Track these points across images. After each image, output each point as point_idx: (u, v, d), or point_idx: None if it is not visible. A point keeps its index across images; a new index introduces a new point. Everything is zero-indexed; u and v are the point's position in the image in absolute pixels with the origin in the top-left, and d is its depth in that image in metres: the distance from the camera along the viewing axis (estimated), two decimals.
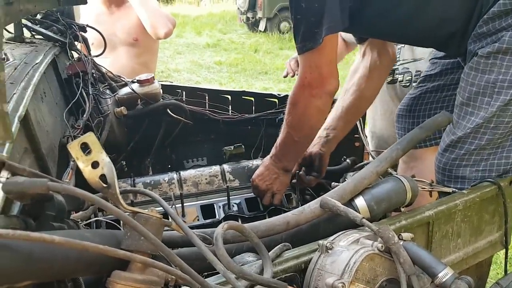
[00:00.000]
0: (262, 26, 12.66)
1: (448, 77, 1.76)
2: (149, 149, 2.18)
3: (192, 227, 0.93)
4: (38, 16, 2.01)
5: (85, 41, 2.11)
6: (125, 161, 2.10)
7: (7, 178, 0.72)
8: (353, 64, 1.91)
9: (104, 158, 0.75)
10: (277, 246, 1.03)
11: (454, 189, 1.41)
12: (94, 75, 1.97)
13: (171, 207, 1.62)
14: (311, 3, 1.39)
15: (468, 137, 1.46)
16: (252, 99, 2.28)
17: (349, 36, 2.52)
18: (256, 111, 2.27)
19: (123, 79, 2.20)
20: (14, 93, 1.17)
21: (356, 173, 1.32)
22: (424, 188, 1.39)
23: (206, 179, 1.81)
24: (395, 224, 1.18)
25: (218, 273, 0.86)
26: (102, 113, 1.86)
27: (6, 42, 1.71)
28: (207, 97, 2.29)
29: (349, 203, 1.22)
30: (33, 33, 1.95)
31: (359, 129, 2.04)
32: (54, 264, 0.68)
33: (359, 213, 1.16)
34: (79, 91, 1.76)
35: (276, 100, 2.26)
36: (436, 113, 1.72)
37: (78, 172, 1.33)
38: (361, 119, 2.00)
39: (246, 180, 1.82)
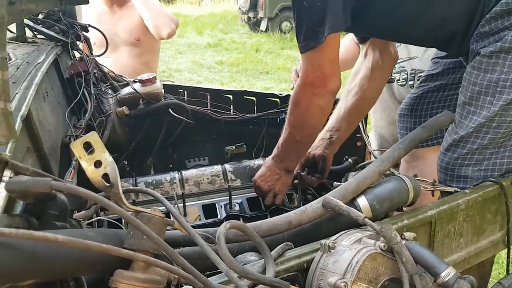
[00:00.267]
0: (263, 26, 12.66)
1: (450, 77, 1.76)
2: (151, 148, 2.18)
3: (194, 227, 0.92)
4: (40, 16, 2.02)
5: (87, 40, 2.11)
6: (127, 161, 2.10)
7: (10, 177, 0.73)
8: (355, 65, 1.91)
9: (107, 158, 0.76)
10: (279, 246, 1.03)
11: (456, 189, 1.41)
12: (96, 74, 1.98)
13: (173, 206, 1.62)
14: (313, 2, 1.39)
15: (471, 137, 1.46)
16: (254, 98, 2.28)
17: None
18: (258, 111, 2.27)
19: (125, 79, 2.20)
20: (17, 93, 1.17)
21: (358, 172, 1.31)
22: (427, 188, 1.39)
23: (207, 178, 1.81)
24: (397, 223, 1.18)
25: (220, 272, 0.87)
26: (104, 112, 1.86)
27: (8, 42, 1.71)
28: (208, 97, 2.29)
29: (351, 202, 1.22)
30: (35, 32, 1.95)
31: (361, 129, 2.04)
32: (57, 263, 0.68)
33: (361, 212, 1.15)
34: (81, 91, 1.76)
35: (278, 100, 2.26)
36: (438, 112, 1.72)
37: (80, 172, 1.33)
38: (363, 119, 2.00)
39: (248, 180, 1.82)
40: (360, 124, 2.02)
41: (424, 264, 0.97)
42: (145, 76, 2.08)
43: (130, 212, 0.78)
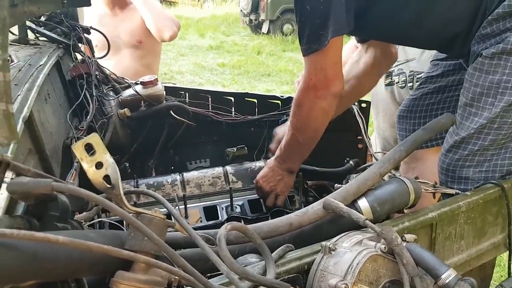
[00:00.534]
0: (265, 28, 12.66)
1: (449, 78, 1.77)
2: (152, 150, 2.18)
3: (195, 229, 0.93)
4: (42, 18, 2.02)
5: (89, 43, 2.11)
6: (128, 163, 2.11)
7: (12, 179, 0.73)
8: (355, 52, 1.92)
9: (108, 159, 0.76)
10: (280, 247, 1.03)
11: (457, 191, 1.41)
12: (98, 76, 1.98)
13: (174, 208, 1.62)
14: (316, 6, 1.39)
15: (472, 138, 1.46)
16: (255, 100, 2.29)
17: None
18: (259, 113, 2.27)
19: (127, 81, 2.21)
20: (19, 95, 1.18)
21: (359, 174, 1.32)
22: (428, 190, 1.39)
23: (209, 180, 1.82)
24: (398, 225, 1.18)
25: (221, 273, 0.87)
26: (105, 114, 1.86)
27: (10, 44, 1.72)
28: (210, 99, 2.30)
29: (352, 204, 1.22)
30: (37, 35, 1.96)
31: (362, 130, 2.04)
32: (58, 264, 0.69)
33: (362, 214, 1.15)
34: (83, 93, 1.77)
35: (279, 102, 2.26)
36: (437, 114, 1.73)
37: (81, 174, 1.34)
38: (364, 121, 2.00)
39: (249, 182, 1.82)
40: (361, 127, 2.02)
41: (424, 266, 0.97)
42: (146, 78, 2.08)
43: (131, 214, 0.79)
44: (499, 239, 1.47)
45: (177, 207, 1.64)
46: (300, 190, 1.80)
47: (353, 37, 2.53)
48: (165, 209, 0.94)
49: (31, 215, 0.79)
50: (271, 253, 0.99)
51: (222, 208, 1.74)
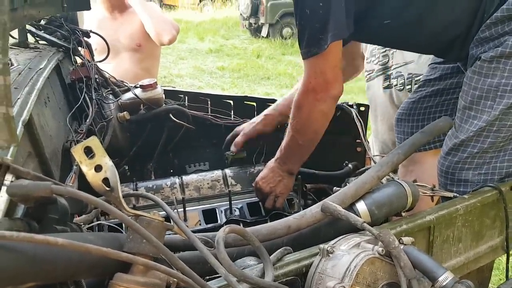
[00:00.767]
0: (264, 31, 12.68)
1: (447, 82, 1.77)
2: (151, 153, 2.18)
3: (194, 232, 0.93)
4: (42, 22, 2.03)
5: (88, 46, 2.12)
6: (127, 166, 2.11)
7: (12, 181, 0.73)
8: None
9: (107, 162, 0.76)
10: (278, 250, 1.03)
11: (455, 194, 1.42)
12: (97, 80, 1.99)
13: (173, 211, 1.63)
14: (315, 10, 1.40)
15: (471, 141, 1.47)
16: (254, 104, 2.29)
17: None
18: None
19: (126, 84, 2.21)
20: (18, 98, 1.18)
21: (358, 177, 1.32)
22: (426, 193, 1.39)
23: (208, 183, 1.82)
24: (396, 228, 1.18)
25: (219, 276, 0.87)
26: (105, 118, 1.87)
27: (10, 48, 1.73)
28: (209, 102, 2.30)
29: (350, 207, 1.22)
30: (37, 38, 1.97)
31: (361, 134, 2.05)
32: (57, 266, 0.69)
33: (360, 217, 1.16)
34: (82, 96, 1.77)
35: None
36: (436, 117, 1.73)
37: (80, 177, 1.34)
38: (363, 124, 2.01)
39: (248, 185, 1.82)
40: (360, 130, 2.03)
41: (422, 268, 0.97)
42: (146, 82, 2.09)
43: (130, 216, 0.79)
44: (497, 242, 1.48)
45: (176, 210, 1.65)
46: (299, 193, 1.80)
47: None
48: (164, 212, 0.95)
49: (30, 218, 0.80)
50: (270, 255, 0.99)
51: (221, 211, 1.74)
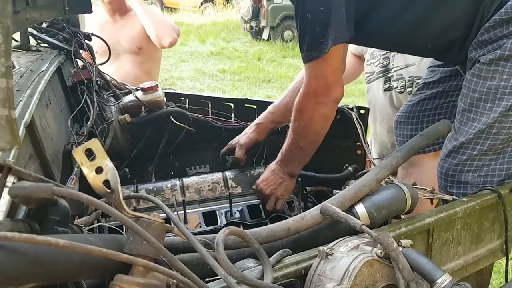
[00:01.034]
0: (265, 34, 12.71)
1: (446, 84, 1.78)
2: (152, 156, 2.19)
3: (194, 234, 0.94)
4: (44, 25, 2.04)
5: (89, 49, 2.13)
6: (128, 168, 2.11)
7: (13, 183, 0.74)
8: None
9: (108, 164, 0.77)
10: (278, 252, 1.04)
11: (454, 197, 1.42)
12: (99, 82, 1.99)
13: (174, 213, 1.63)
14: (316, 14, 1.41)
15: (470, 143, 1.47)
16: (255, 107, 2.30)
17: (357, 48, 2.53)
18: None
19: (127, 87, 2.22)
20: (20, 100, 1.19)
21: (357, 180, 1.33)
22: (425, 196, 1.40)
23: (208, 186, 1.83)
24: (395, 231, 1.19)
25: (219, 278, 0.88)
26: (106, 120, 1.87)
27: (12, 50, 1.73)
28: (210, 105, 2.31)
29: (350, 210, 1.23)
30: (39, 41, 1.98)
31: (361, 137, 2.05)
32: (58, 267, 0.70)
33: (359, 219, 1.16)
34: (84, 99, 1.78)
35: None
36: (435, 119, 1.74)
37: (81, 178, 1.35)
38: (363, 127, 2.01)
39: (248, 187, 1.83)
40: (360, 133, 2.04)
41: (420, 271, 0.98)
42: (147, 84, 2.09)
43: (130, 218, 0.80)
44: (496, 245, 1.48)
45: (176, 213, 1.65)
46: (299, 196, 1.81)
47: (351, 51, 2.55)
48: (164, 214, 0.95)
49: (32, 219, 0.80)
50: (269, 258, 1.00)
51: (222, 214, 1.74)
